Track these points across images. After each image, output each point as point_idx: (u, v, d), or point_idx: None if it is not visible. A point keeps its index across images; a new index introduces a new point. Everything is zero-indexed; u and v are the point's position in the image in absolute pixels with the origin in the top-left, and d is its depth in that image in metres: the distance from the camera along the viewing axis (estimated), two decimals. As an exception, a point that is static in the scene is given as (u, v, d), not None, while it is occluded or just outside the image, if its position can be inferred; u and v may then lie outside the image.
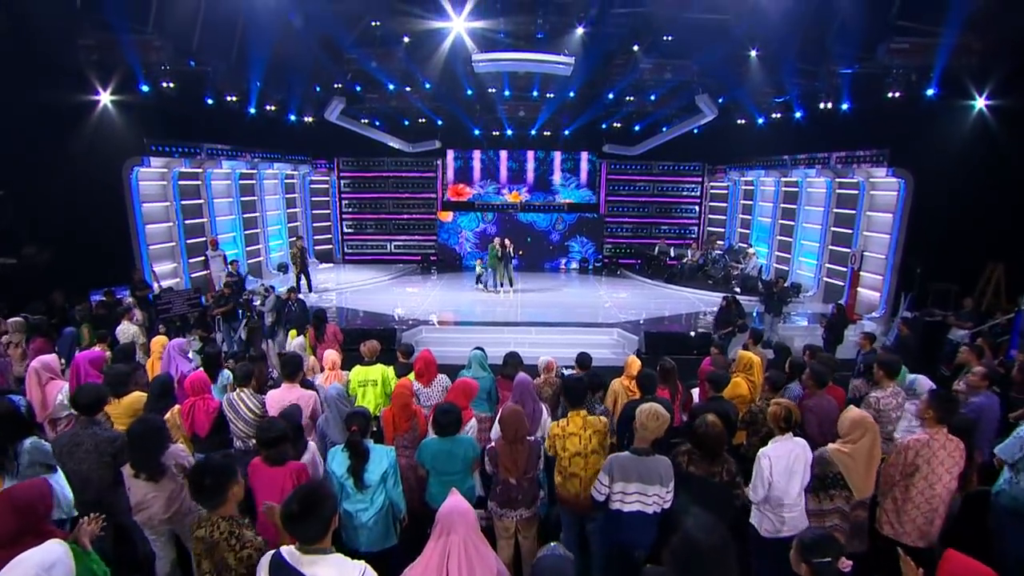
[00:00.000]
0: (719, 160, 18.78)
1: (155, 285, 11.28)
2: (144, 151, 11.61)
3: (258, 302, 10.91)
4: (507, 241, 14.73)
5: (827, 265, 14.10)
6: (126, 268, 11.14)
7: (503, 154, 19.64)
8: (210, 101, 12.72)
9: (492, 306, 13.99)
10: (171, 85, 10.84)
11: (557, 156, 19.68)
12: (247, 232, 15.64)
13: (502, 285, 14.92)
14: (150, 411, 4.79)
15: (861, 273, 12.33)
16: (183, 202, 13.15)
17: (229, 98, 12.77)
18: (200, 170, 13.61)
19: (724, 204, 19.25)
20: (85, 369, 5.56)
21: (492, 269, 14.87)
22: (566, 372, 7.79)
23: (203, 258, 13.26)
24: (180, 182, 13.03)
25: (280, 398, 5.18)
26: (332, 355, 6.63)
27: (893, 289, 11.74)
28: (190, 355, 7.36)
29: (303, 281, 14.80)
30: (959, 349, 7.03)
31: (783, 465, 3.86)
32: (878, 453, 3.93)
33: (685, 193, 19.79)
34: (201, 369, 6.07)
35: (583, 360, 6.46)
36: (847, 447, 4.01)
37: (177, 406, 5.00)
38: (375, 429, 4.75)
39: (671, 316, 13.25)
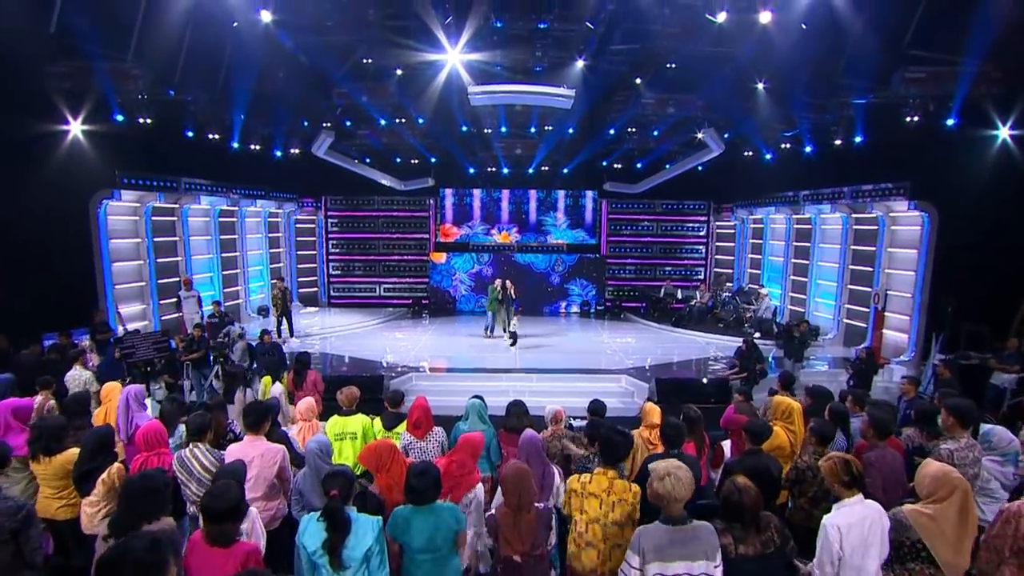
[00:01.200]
0: (725, 198, 18.68)
1: (119, 328, 10.66)
2: (115, 184, 11.26)
3: (237, 349, 10.32)
4: (508, 283, 14.23)
5: (846, 306, 13.74)
6: (89, 309, 10.54)
7: (492, 193, 19.50)
8: (190, 133, 12.54)
9: (489, 352, 13.50)
10: (148, 116, 10.59)
11: (560, 195, 19.55)
12: (225, 273, 15.24)
13: (504, 330, 14.33)
14: (81, 470, 4.15)
15: (885, 313, 11.89)
16: (156, 239, 12.77)
17: (211, 131, 12.61)
18: (176, 205, 13.29)
19: (731, 244, 19.03)
20: (5, 420, 4.90)
21: (492, 313, 14.29)
22: (575, 423, 7.19)
23: (176, 299, 12.69)
24: (154, 217, 12.67)
25: (241, 454, 4.55)
26: (308, 402, 6.02)
27: (922, 330, 11.29)
28: (148, 404, 6.76)
29: (283, 325, 14.23)
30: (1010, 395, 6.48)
31: (856, 535, 3.25)
32: (974, 519, 3.32)
33: (690, 233, 19.62)
34: (153, 419, 5.44)
35: (597, 408, 5.87)
36: (929, 508, 3.40)
37: (117, 464, 4.35)
38: (362, 489, 4.10)
39: (681, 361, 12.79)
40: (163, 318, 12.79)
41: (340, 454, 5.61)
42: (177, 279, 13.27)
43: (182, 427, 5.43)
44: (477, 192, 19.46)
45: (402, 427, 5.61)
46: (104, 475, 4.21)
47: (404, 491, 3.58)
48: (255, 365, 9.96)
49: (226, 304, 14.95)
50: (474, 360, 12.74)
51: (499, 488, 3.90)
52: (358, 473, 5.69)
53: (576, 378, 11.58)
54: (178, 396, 6.24)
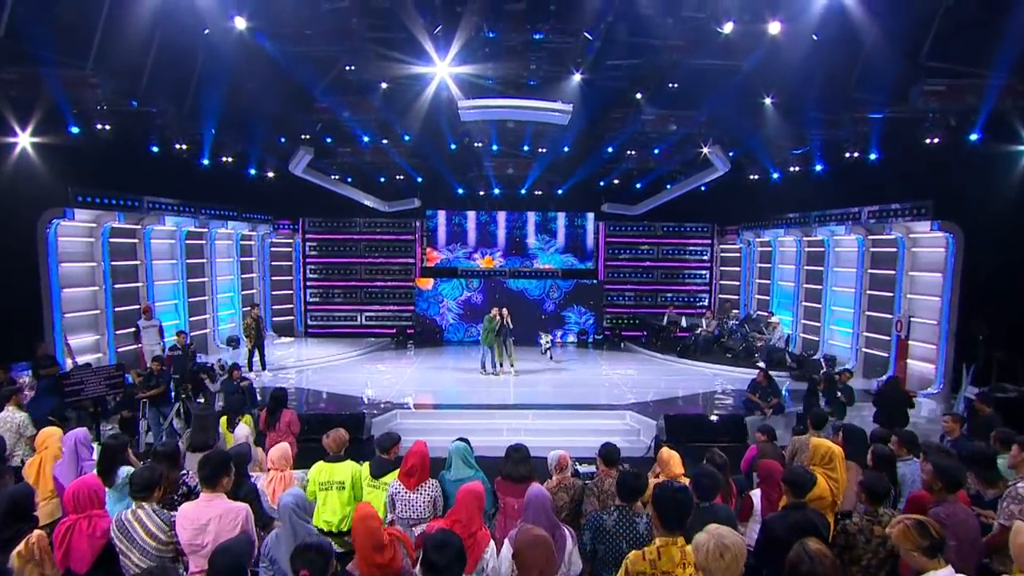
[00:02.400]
0: (730, 219, 18.53)
1: (67, 361, 10.02)
2: (68, 202, 10.74)
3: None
4: (505, 311, 13.75)
5: (865, 334, 13.44)
6: (33, 341, 9.89)
7: (480, 215, 19.22)
8: (155, 148, 12.22)
9: (481, 386, 12.97)
10: (107, 128, 10.17)
11: (557, 218, 19.33)
12: (192, 300, 14.67)
13: (502, 365, 13.78)
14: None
15: (909, 342, 11.56)
16: (114, 263, 12.23)
17: (178, 146, 12.25)
18: (138, 226, 12.80)
19: (737, 268, 18.81)
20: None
21: (488, 347, 13.73)
22: (581, 469, 6.67)
23: (134, 329, 12.09)
24: (112, 239, 12.13)
25: (195, 516, 3.98)
26: (282, 449, 5.46)
27: (950, 360, 10.95)
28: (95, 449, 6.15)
29: (255, 357, 13.62)
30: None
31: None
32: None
33: (692, 256, 19.41)
34: (93, 471, 4.85)
35: (610, 454, 5.35)
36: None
37: (38, 532, 3.74)
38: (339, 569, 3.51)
39: (687, 395, 12.37)
40: (119, 350, 12.17)
41: (324, 504, 5.26)
42: (136, 307, 12.67)
43: (124, 470, 4.88)
44: (465, 214, 19.15)
45: (391, 476, 5.15)
46: (21, 546, 3.60)
47: (422, 570, 3.02)
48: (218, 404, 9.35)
49: (192, 334, 14.38)
50: (464, 395, 12.22)
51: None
52: (344, 529, 5.17)
53: (577, 414, 11.10)
54: (121, 434, 5.61)
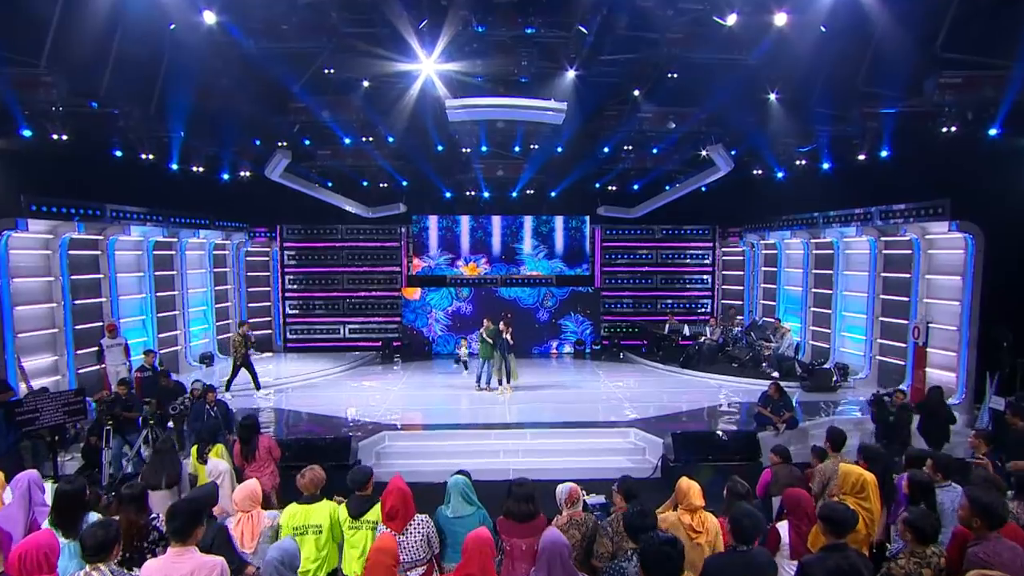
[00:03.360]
0: (732, 221, 18.37)
1: (20, 386, 9.57)
2: (20, 211, 10.27)
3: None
4: (503, 324, 13.29)
5: (879, 341, 13.27)
6: (-18, 365, 9.42)
7: (456, 221, 18.93)
8: (118, 153, 11.86)
9: (474, 403, 12.65)
10: (64, 131, 9.73)
11: (549, 222, 19.04)
12: (161, 315, 14.27)
13: (501, 382, 13.35)
14: None
15: (927, 350, 11.34)
16: (74, 277, 11.77)
17: (144, 150, 11.94)
18: (100, 237, 12.38)
19: (740, 272, 18.63)
20: None
21: (485, 360, 13.30)
22: (590, 500, 6.33)
23: (97, 348, 11.63)
24: (72, 252, 11.68)
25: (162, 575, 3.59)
26: (249, 489, 5.05)
27: (972, 368, 10.74)
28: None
29: (239, 377, 13.19)
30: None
31: None
32: None
33: (693, 261, 19.20)
34: (47, 526, 4.44)
35: (630, 489, 5.01)
36: None
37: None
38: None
39: (693, 410, 12.09)
40: (81, 371, 11.69)
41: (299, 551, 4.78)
42: (100, 324, 12.23)
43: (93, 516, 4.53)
44: (450, 220, 18.85)
45: (373, 513, 4.92)
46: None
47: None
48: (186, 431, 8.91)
49: (162, 352, 13.91)
50: (457, 414, 11.90)
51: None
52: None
53: (577, 433, 10.81)
54: (77, 476, 5.17)
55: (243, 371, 13.12)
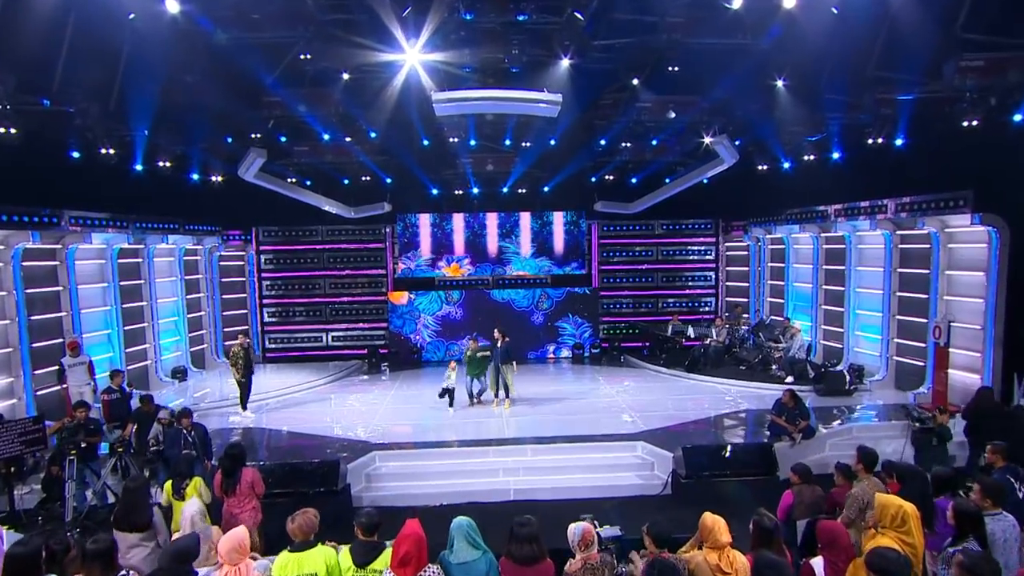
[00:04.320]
0: (736, 214, 18.19)
1: (-28, 415, 9.06)
2: (-36, 221, 9.80)
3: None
4: (497, 332, 12.92)
5: (896, 341, 13.09)
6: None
7: (467, 217, 18.71)
8: (76, 154, 11.45)
9: (470, 417, 12.30)
10: (12, 131, 9.31)
11: (556, 217, 18.80)
12: (128, 328, 13.81)
13: (497, 395, 12.98)
14: None
15: (949, 350, 11.12)
16: (30, 291, 11.32)
17: (104, 150, 11.48)
18: (58, 246, 11.90)
19: (745, 268, 18.45)
20: None
21: (475, 377, 12.94)
22: (604, 533, 6.00)
23: (58, 368, 11.09)
24: (26, 263, 11.21)
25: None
26: (235, 539, 4.70)
27: (998, 370, 10.54)
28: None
29: (227, 391, 12.92)
30: None
31: None
32: None
33: (695, 257, 19.00)
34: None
35: (660, 535, 4.69)
36: None
37: None
38: None
39: (701, 419, 11.79)
40: (39, 393, 11.20)
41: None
42: (60, 341, 11.76)
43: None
44: (435, 218, 18.58)
45: (381, 562, 4.67)
46: None
47: None
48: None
49: (130, 368, 13.64)
50: (452, 429, 11.52)
51: None
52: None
53: (581, 448, 10.51)
54: (33, 537, 4.73)
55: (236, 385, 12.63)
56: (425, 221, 18.42)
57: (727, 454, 9.64)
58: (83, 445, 8.55)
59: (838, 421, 11.15)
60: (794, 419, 10.07)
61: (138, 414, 9.62)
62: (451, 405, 12.55)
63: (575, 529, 4.83)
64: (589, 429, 11.22)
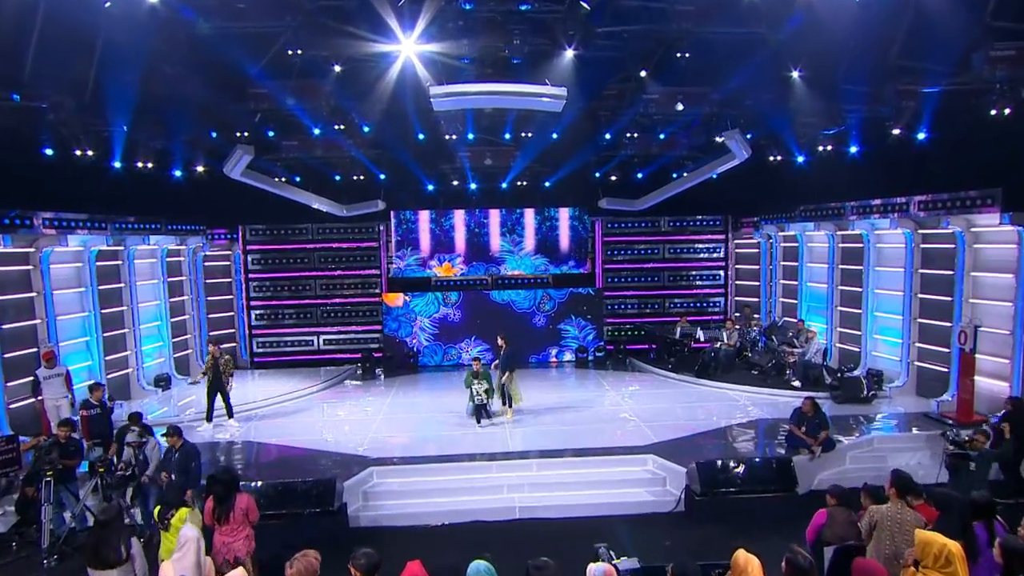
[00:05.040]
0: (747, 210, 17.95)
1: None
2: (-69, 226, 9.52)
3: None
4: (500, 340, 12.79)
5: (918, 345, 12.89)
6: None
7: (459, 215, 18.48)
8: (49, 151, 11.31)
9: (470, 428, 12.02)
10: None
11: (562, 214, 18.66)
12: (108, 335, 13.52)
13: (503, 403, 12.69)
14: None
15: (976, 356, 10.92)
16: (1, 298, 11.13)
17: (80, 147, 11.38)
18: (32, 250, 11.60)
19: (755, 266, 18.25)
20: None
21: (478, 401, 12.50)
22: (622, 566, 5.74)
23: (33, 380, 10.81)
24: (-3, 268, 10.96)
25: None
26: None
27: (1028, 377, 10.35)
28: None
29: (219, 402, 12.36)
30: None
31: None
32: None
33: (703, 255, 18.79)
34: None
35: (686, 571, 4.43)
36: None
37: None
38: None
39: (714, 429, 11.54)
40: (13, 407, 10.88)
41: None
42: (34, 351, 11.46)
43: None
44: (431, 216, 18.38)
45: None
46: None
47: None
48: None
49: (111, 376, 13.41)
50: (453, 441, 11.26)
51: None
52: None
53: (589, 462, 10.29)
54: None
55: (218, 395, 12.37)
56: (417, 219, 18.19)
57: (743, 469, 9.40)
58: (60, 467, 8.23)
59: (858, 432, 10.91)
60: (814, 430, 9.86)
61: (96, 420, 9.47)
62: (479, 420, 12.19)
63: (597, 572, 4.57)
64: (596, 441, 11.01)
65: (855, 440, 10.55)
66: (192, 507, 6.78)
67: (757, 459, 9.83)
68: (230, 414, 12.36)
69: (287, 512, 8.51)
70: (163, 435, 8.50)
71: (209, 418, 12.24)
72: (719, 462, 9.51)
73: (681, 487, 9.36)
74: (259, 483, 8.85)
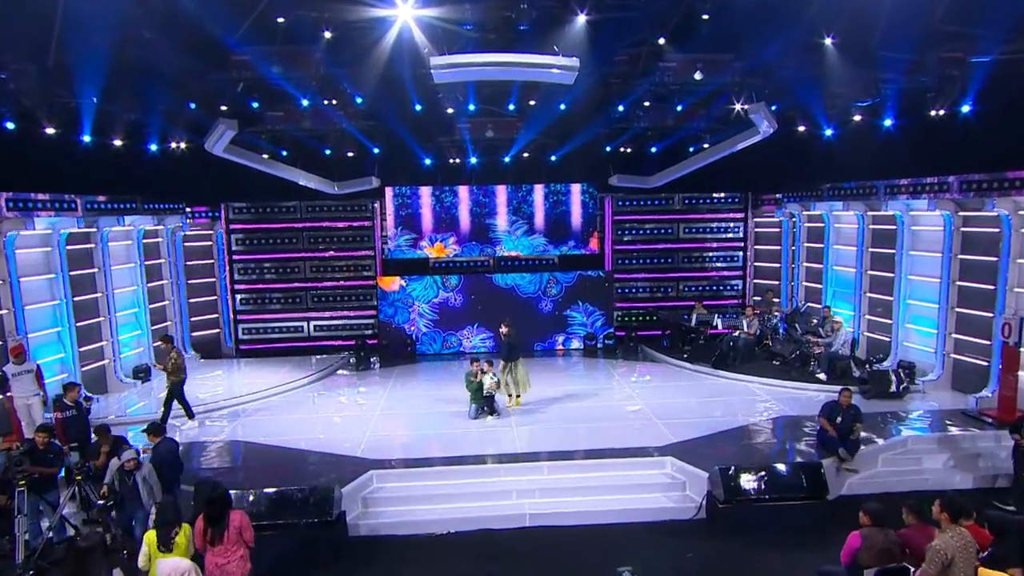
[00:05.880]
0: (768, 187, 17.68)
1: None
2: None
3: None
4: (504, 327, 12.63)
5: (954, 336, 12.69)
6: None
7: (463, 192, 18.24)
8: (10, 125, 11.15)
9: (474, 427, 11.82)
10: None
11: (573, 190, 18.43)
12: (81, 324, 13.25)
13: (509, 395, 12.58)
14: None
15: (1021, 350, 10.69)
16: None
17: (44, 121, 11.25)
18: None
19: (776, 247, 18.03)
20: None
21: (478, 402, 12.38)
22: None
23: (0, 376, 10.47)
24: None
25: None
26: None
27: (1077, 374, 10.12)
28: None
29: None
30: None
31: None
32: None
33: (720, 235, 18.53)
34: None
35: None
36: None
37: None
38: None
39: (734, 428, 11.31)
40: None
41: None
42: (1, 344, 11.22)
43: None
44: (419, 191, 18.14)
45: None
46: None
47: None
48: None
49: (85, 368, 13.19)
50: (456, 441, 11.04)
51: None
52: None
53: (603, 464, 10.08)
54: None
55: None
56: (412, 196, 17.94)
57: (769, 474, 9.19)
58: (36, 476, 8.00)
59: (890, 431, 10.69)
60: (847, 425, 9.67)
61: (72, 423, 9.33)
62: (491, 413, 12.10)
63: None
64: (610, 440, 10.82)
65: (890, 442, 10.33)
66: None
67: (784, 463, 9.55)
68: (164, 421, 11.60)
69: (282, 523, 8.32)
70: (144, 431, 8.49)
71: (191, 414, 12.00)
72: (743, 466, 9.28)
73: (702, 492, 9.18)
74: (250, 492, 8.61)
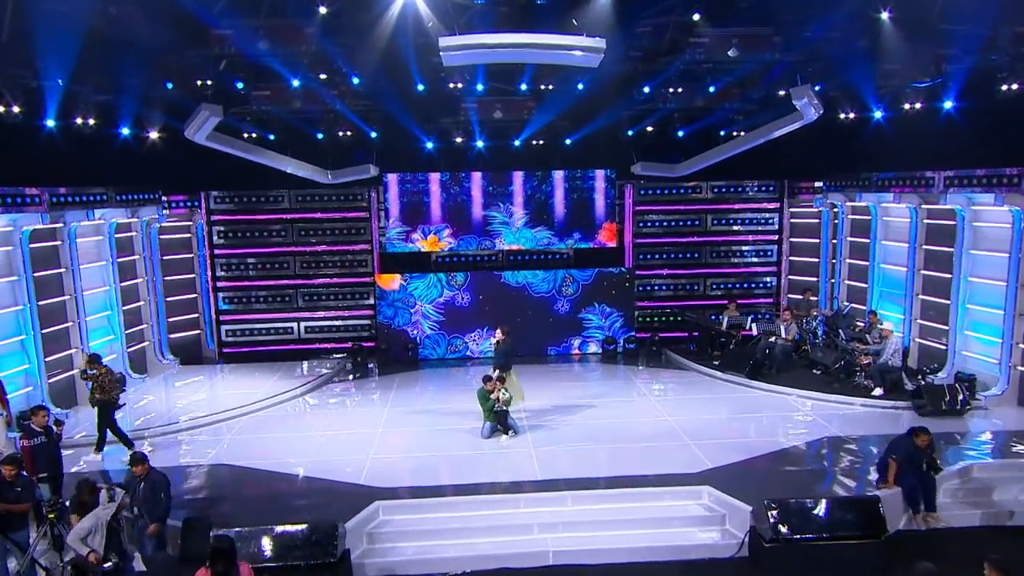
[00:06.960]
0: (807, 174, 17.43)
1: None
2: None
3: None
4: (500, 332, 12.67)
5: (1021, 346, 12.33)
6: None
7: (480, 179, 18.09)
8: None
9: (487, 448, 11.53)
10: None
11: (597, 177, 18.22)
12: (47, 331, 13.01)
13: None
14: None
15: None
16: None
17: (3, 103, 11.20)
18: None
19: (815, 240, 17.77)
20: None
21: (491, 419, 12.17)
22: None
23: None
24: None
25: None
26: None
27: None
28: None
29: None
30: None
31: None
32: None
33: (752, 227, 18.24)
34: None
35: None
36: None
37: None
38: None
39: (776, 451, 10.97)
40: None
41: None
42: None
43: None
44: (420, 178, 17.98)
45: None
46: None
47: None
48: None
49: (52, 380, 12.88)
50: (468, 465, 10.77)
51: None
52: None
53: (633, 495, 9.73)
54: None
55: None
56: (409, 183, 17.73)
57: (822, 508, 8.80)
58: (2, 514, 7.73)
59: (950, 455, 10.25)
60: (917, 465, 9.04)
61: (42, 451, 8.92)
62: (505, 432, 11.80)
63: None
64: (638, 464, 10.52)
65: (950, 469, 9.85)
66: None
67: (838, 496, 9.24)
68: (99, 448, 11.45)
69: (281, 565, 8.00)
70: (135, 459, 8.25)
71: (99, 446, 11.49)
72: (791, 499, 8.87)
73: (743, 527, 8.81)
74: (243, 530, 8.25)
